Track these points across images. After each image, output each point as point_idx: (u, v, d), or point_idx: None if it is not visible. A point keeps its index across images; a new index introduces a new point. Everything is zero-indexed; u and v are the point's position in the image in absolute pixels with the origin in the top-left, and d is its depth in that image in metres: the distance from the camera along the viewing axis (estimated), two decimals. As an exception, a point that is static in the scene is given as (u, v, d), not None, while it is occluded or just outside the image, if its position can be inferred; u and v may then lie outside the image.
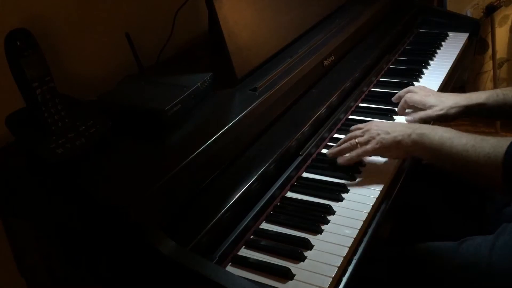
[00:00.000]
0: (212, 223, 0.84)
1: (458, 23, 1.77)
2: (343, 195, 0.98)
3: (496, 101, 1.15)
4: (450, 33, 1.74)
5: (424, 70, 1.49)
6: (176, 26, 1.29)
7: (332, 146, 1.10)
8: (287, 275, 0.81)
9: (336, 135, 1.18)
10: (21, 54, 0.82)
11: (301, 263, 0.83)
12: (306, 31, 1.34)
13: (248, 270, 0.83)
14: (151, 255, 0.75)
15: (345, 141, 1.07)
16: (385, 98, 1.33)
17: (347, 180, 1.03)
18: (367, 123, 1.10)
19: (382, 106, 1.30)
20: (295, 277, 0.81)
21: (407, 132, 1.01)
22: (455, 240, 1.02)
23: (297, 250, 0.85)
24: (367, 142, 1.03)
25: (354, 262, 0.85)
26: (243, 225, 0.89)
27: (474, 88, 2.62)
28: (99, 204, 0.80)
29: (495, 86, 2.55)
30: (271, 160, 0.98)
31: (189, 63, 1.23)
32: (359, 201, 0.97)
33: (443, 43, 1.67)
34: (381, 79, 1.45)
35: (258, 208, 0.93)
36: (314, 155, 1.11)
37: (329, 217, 0.93)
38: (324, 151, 1.12)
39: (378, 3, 1.64)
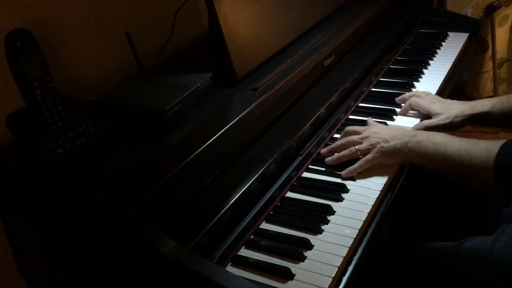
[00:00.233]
0: (212, 223, 0.84)
1: (458, 23, 1.77)
2: (343, 195, 0.98)
3: (501, 109, 1.15)
4: (450, 33, 1.74)
5: (424, 70, 1.49)
6: (176, 26, 1.29)
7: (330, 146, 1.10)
8: (287, 275, 0.81)
9: (336, 135, 1.18)
10: (21, 54, 0.82)
11: (301, 263, 0.83)
12: (306, 31, 1.34)
13: (248, 270, 0.83)
14: (151, 255, 0.75)
15: (343, 146, 1.07)
16: (385, 98, 1.33)
17: (347, 180, 1.03)
18: (365, 127, 1.10)
19: (382, 106, 1.30)
20: (295, 277, 0.81)
21: (405, 140, 1.03)
22: (455, 241, 1.03)
23: (297, 250, 0.85)
24: (368, 151, 1.05)
25: (354, 262, 0.85)
26: (243, 225, 0.89)
27: (474, 88, 2.62)
28: (99, 204, 0.80)
29: (495, 86, 2.55)
30: (271, 160, 0.98)
31: (189, 63, 1.23)
32: (359, 201, 0.97)
33: (443, 43, 1.67)
34: (381, 79, 1.45)
35: (258, 208, 0.93)
36: (314, 155, 1.11)
37: (329, 217, 0.93)
38: (324, 151, 1.12)
39: (378, 3, 1.64)
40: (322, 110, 1.17)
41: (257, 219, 0.93)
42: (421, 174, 1.08)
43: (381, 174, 1.04)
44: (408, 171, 1.07)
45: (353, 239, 0.87)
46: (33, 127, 0.88)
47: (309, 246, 0.86)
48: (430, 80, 1.44)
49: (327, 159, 1.07)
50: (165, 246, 0.76)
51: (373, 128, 1.09)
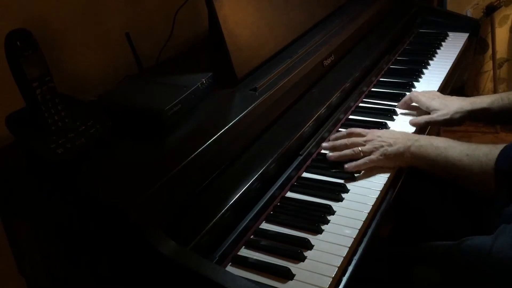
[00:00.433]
0: (212, 223, 0.84)
1: (458, 23, 1.77)
2: (343, 195, 0.98)
3: (500, 106, 1.16)
4: (450, 33, 1.74)
5: (424, 70, 1.49)
6: (176, 26, 1.29)
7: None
8: (287, 275, 0.81)
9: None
10: (21, 54, 0.82)
11: (301, 263, 0.83)
12: (306, 31, 1.34)
13: (248, 270, 0.83)
14: (151, 255, 0.75)
15: (346, 146, 1.08)
16: (385, 98, 1.33)
17: (347, 180, 1.03)
18: (369, 130, 1.11)
19: (382, 106, 1.30)
20: (295, 277, 0.81)
21: (407, 144, 1.04)
22: (455, 240, 1.03)
23: (297, 250, 0.85)
24: (371, 152, 1.05)
25: (354, 262, 0.85)
26: (243, 225, 0.89)
27: (474, 88, 2.62)
28: (99, 204, 0.80)
29: (495, 86, 2.55)
30: (271, 160, 0.98)
31: (189, 63, 1.23)
32: (359, 201, 0.97)
33: (443, 43, 1.67)
34: (381, 79, 1.45)
35: (258, 208, 0.93)
36: (314, 155, 1.11)
37: (329, 217, 0.93)
38: (324, 151, 1.12)
39: (378, 3, 1.64)
40: (322, 110, 1.17)
41: (257, 219, 0.93)
42: (421, 174, 1.08)
43: (381, 174, 1.04)
44: (408, 171, 1.08)
45: (353, 239, 0.87)
46: (33, 127, 0.88)
47: (309, 246, 0.86)
48: (430, 80, 1.44)
49: (329, 154, 1.07)
50: (165, 246, 0.76)
51: (377, 132, 1.10)
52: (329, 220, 0.92)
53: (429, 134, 1.23)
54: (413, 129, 1.20)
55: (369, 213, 0.94)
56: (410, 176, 1.08)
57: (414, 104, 1.26)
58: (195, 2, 1.34)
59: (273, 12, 1.22)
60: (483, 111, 1.17)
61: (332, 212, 0.94)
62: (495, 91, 2.56)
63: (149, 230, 0.76)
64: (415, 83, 1.41)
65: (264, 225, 0.93)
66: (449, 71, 1.49)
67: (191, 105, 1.01)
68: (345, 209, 0.95)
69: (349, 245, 0.86)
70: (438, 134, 2.10)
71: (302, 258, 0.84)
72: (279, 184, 0.99)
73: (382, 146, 1.05)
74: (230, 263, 0.85)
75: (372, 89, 1.40)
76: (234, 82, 1.09)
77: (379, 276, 1.04)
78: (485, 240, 0.99)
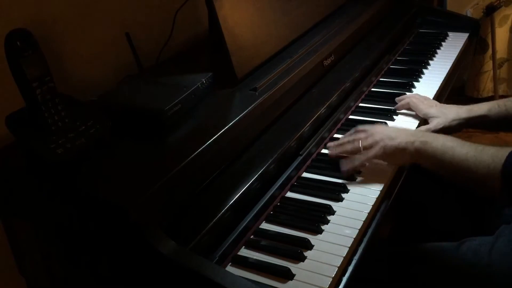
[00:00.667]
0: (212, 223, 0.84)
1: (458, 23, 1.77)
2: (343, 195, 0.98)
3: (498, 113, 1.16)
4: (450, 33, 1.74)
5: (424, 70, 1.49)
6: (176, 26, 1.29)
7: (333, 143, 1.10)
8: (287, 275, 0.81)
9: (336, 135, 1.18)
10: (21, 54, 0.82)
11: (301, 263, 0.83)
12: (306, 31, 1.34)
13: (248, 270, 0.83)
14: (151, 255, 0.75)
15: (349, 142, 1.07)
16: (385, 98, 1.33)
17: (347, 180, 1.03)
18: (373, 126, 1.10)
19: (382, 106, 1.30)
20: (295, 277, 0.81)
21: (411, 139, 1.01)
22: (455, 241, 1.03)
23: (297, 250, 0.85)
24: (370, 146, 1.03)
25: (354, 262, 0.85)
26: (243, 225, 0.89)
27: (474, 88, 2.62)
28: (99, 204, 0.80)
29: (495, 86, 2.55)
30: (271, 160, 0.98)
31: (189, 63, 1.23)
32: (359, 201, 0.97)
33: (443, 43, 1.67)
34: (381, 79, 1.45)
35: (258, 208, 0.93)
36: (314, 155, 1.11)
37: (329, 217, 0.93)
38: (324, 151, 1.12)
39: (378, 3, 1.64)
40: (322, 110, 1.17)
41: (257, 219, 0.93)
42: (421, 174, 1.08)
43: (381, 174, 1.04)
44: (408, 171, 1.07)
45: (353, 239, 0.87)
46: (33, 127, 0.87)
47: (309, 246, 0.86)
48: (430, 80, 1.44)
49: (329, 151, 1.07)
50: (165, 246, 0.75)
51: (380, 128, 1.09)
52: (329, 220, 0.92)
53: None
54: (413, 126, 1.20)
55: (369, 213, 0.93)
56: (411, 175, 1.08)
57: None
58: (195, 2, 1.34)
59: (273, 12, 1.22)
60: (480, 118, 1.17)
61: (332, 212, 0.94)
62: (495, 91, 2.56)
63: (149, 230, 0.76)
64: (415, 83, 1.41)
65: (264, 225, 0.93)
66: (449, 71, 1.49)
67: (191, 105, 1.01)
68: (345, 209, 0.95)
69: (349, 245, 0.86)
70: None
71: (302, 258, 0.84)
72: (279, 184, 0.99)
73: (382, 140, 1.03)
74: (230, 263, 0.85)
75: (372, 89, 1.40)
76: (234, 82, 1.09)
77: (379, 276, 1.04)
78: (485, 240, 0.99)
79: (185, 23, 1.33)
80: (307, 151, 1.09)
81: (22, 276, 1.07)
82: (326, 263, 0.83)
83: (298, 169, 1.06)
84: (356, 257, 0.86)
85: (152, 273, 0.79)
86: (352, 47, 1.47)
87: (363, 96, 1.35)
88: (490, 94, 2.60)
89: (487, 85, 2.61)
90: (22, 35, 0.83)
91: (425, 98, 1.28)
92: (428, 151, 1.00)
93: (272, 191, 0.97)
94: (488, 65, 2.56)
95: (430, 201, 1.23)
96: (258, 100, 1.03)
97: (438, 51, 1.62)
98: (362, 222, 0.91)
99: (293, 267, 0.82)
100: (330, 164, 1.07)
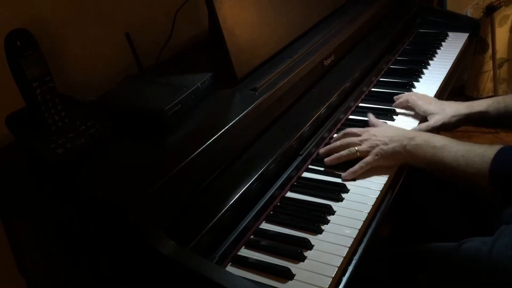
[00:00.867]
0: (212, 223, 0.84)
1: (458, 23, 1.77)
2: (343, 195, 0.98)
3: (497, 109, 1.16)
4: (450, 33, 1.74)
5: (424, 70, 1.49)
6: (176, 26, 1.29)
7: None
8: (287, 275, 0.81)
9: (336, 135, 1.18)
10: (21, 54, 0.82)
11: (301, 263, 0.83)
12: (306, 31, 1.34)
13: (248, 270, 0.83)
14: (151, 255, 0.75)
15: (342, 147, 1.07)
16: (385, 98, 1.33)
17: (347, 180, 1.03)
18: (364, 129, 1.11)
19: (382, 106, 1.30)
20: (295, 277, 0.81)
21: (404, 143, 1.03)
22: (455, 241, 1.03)
23: (297, 250, 0.85)
24: (367, 152, 1.05)
25: (354, 262, 0.85)
26: (243, 225, 0.89)
27: (474, 88, 2.62)
28: (99, 204, 0.80)
29: (495, 86, 2.55)
30: (271, 160, 0.98)
31: (189, 63, 1.23)
32: (359, 201, 0.97)
33: (443, 43, 1.67)
34: (381, 79, 1.45)
35: (258, 208, 0.93)
36: (314, 155, 1.11)
37: (329, 217, 0.93)
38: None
39: (378, 3, 1.64)
40: (322, 110, 1.17)
41: (257, 219, 0.93)
42: (421, 174, 1.08)
43: (381, 174, 1.04)
44: (408, 171, 1.07)
45: (353, 239, 0.87)
46: (33, 127, 0.87)
47: (309, 246, 0.86)
48: (430, 80, 1.44)
49: (326, 159, 1.07)
50: (165, 246, 0.76)
51: (372, 130, 1.10)
52: (329, 220, 0.92)
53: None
54: (411, 126, 1.20)
55: (369, 213, 0.93)
56: (411, 175, 1.08)
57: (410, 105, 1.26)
58: (195, 2, 1.34)
59: (273, 12, 1.22)
60: (479, 115, 1.18)
61: (332, 212, 0.94)
62: (495, 91, 2.56)
63: (149, 230, 0.76)
64: (415, 83, 1.41)
65: (264, 225, 0.93)
66: (449, 71, 1.49)
67: (191, 105, 1.01)
68: (345, 209, 0.95)
69: (349, 245, 0.86)
70: (437, 133, 2.10)
71: (302, 258, 0.84)
72: (279, 184, 0.99)
73: (378, 145, 1.04)
74: (230, 263, 0.85)
75: (372, 89, 1.40)
76: (234, 82, 1.09)
77: (379, 276, 1.04)
78: (485, 241, 0.99)
79: (185, 23, 1.33)
80: (307, 151, 1.09)
81: (22, 276, 1.07)
82: (326, 263, 0.83)
83: (298, 169, 1.06)
84: (356, 257, 0.86)
85: (152, 273, 0.79)
86: (352, 47, 1.47)
87: (363, 96, 1.35)
88: (490, 94, 2.60)
89: (487, 85, 2.61)
90: (22, 35, 0.83)
91: (424, 95, 1.28)
92: (419, 153, 1.02)
93: (272, 191, 0.97)
94: (488, 65, 2.56)
95: (430, 201, 1.23)
96: (258, 100, 1.03)
97: (438, 51, 1.62)
98: (362, 222, 0.91)
99: (293, 267, 0.82)
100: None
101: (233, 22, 1.09)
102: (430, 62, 1.54)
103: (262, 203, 0.94)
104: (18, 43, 0.82)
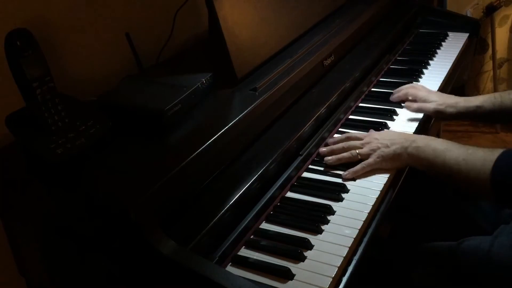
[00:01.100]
0: (212, 223, 0.84)
1: (458, 23, 1.77)
2: (343, 195, 0.98)
3: (493, 104, 1.17)
4: (450, 33, 1.74)
5: (424, 70, 1.49)
6: (176, 26, 1.29)
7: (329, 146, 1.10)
8: (287, 275, 0.81)
9: (336, 135, 1.18)
10: (21, 54, 0.82)
11: (301, 263, 0.83)
12: (306, 31, 1.34)
13: (248, 270, 0.83)
14: (151, 255, 0.75)
15: (344, 149, 1.08)
16: (385, 98, 1.33)
17: (347, 180, 1.03)
18: (367, 133, 1.11)
19: (382, 106, 1.30)
20: (295, 277, 0.81)
21: (405, 145, 1.04)
22: (454, 240, 1.03)
23: (297, 250, 0.85)
24: (368, 155, 1.05)
25: (354, 262, 0.85)
26: (243, 225, 0.89)
27: (474, 88, 2.62)
28: (99, 204, 0.80)
29: (495, 86, 2.55)
30: (271, 160, 0.98)
31: (189, 63, 1.23)
32: (359, 201, 0.97)
33: (443, 43, 1.67)
34: (381, 79, 1.45)
35: (258, 208, 0.93)
36: (314, 155, 1.11)
37: (329, 217, 0.93)
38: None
39: (378, 3, 1.64)
40: (322, 110, 1.17)
41: (257, 219, 0.93)
42: (422, 173, 1.08)
43: (381, 174, 1.04)
44: (408, 171, 1.08)
45: (353, 239, 0.87)
46: (33, 127, 0.88)
47: (309, 246, 0.86)
48: (430, 80, 1.44)
49: (327, 158, 1.07)
50: (165, 246, 0.76)
51: (374, 134, 1.10)
52: (329, 220, 0.92)
53: (429, 134, 1.23)
54: (412, 129, 1.20)
55: (369, 213, 0.93)
56: (411, 175, 1.08)
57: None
58: (195, 2, 1.34)
59: (273, 12, 1.22)
60: (476, 109, 1.19)
61: (332, 212, 0.94)
62: (495, 91, 2.56)
63: (149, 230, 0.76)
64: (415, 83, 1.41)
65: (264, 225, 0.93)
66: (449, 71, 1.49)
67: (191, 105, 1.01)
68: (345, 209, 0.95)
69: (349, 245, 0.86)
70: (438, 134, 2.10)
71: (302, 258, 0.84)
72: (279, 184, 0.99)
73: (379, 148, 1.05)
74: (230, 263, 0.85)
75: (372, 89, 1.40)
76: (234, 82, 1.09)
77: (379, 276, 1.04)
78: (484, 240, 0.99)
79: (185, 23, 1.33)
80: (307, 151, 1.09)
81: (22, 276, 1.07)
82: (326, 263, 0.83)
83: (298, 169, 1.06)
84: (356, 257, 0.86)
85: (152, 273, 0.79)
86: (352, 47, 1.47)
87: (363, 96, 1.35)
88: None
89: (487, 85, 2.61)
90: (22, 35, 0.83)
91: (423, 86, 1.30)
92: (421, 156, 1.02)
93: (272, 191, 0.97)
94: (488, 65, 2.56)
95: (430, 201, 1.23)
96: (258, 100, 1.03)
97: (438, 51, 1.62)
98: (362, 222, 0.91)
99: (293, 267, 0.82)
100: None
101: (233, 22, 1.09)
102: (430, 62, 1.54)
103: (262, 203, 0.94)
104: (18, 43, 0.82)
